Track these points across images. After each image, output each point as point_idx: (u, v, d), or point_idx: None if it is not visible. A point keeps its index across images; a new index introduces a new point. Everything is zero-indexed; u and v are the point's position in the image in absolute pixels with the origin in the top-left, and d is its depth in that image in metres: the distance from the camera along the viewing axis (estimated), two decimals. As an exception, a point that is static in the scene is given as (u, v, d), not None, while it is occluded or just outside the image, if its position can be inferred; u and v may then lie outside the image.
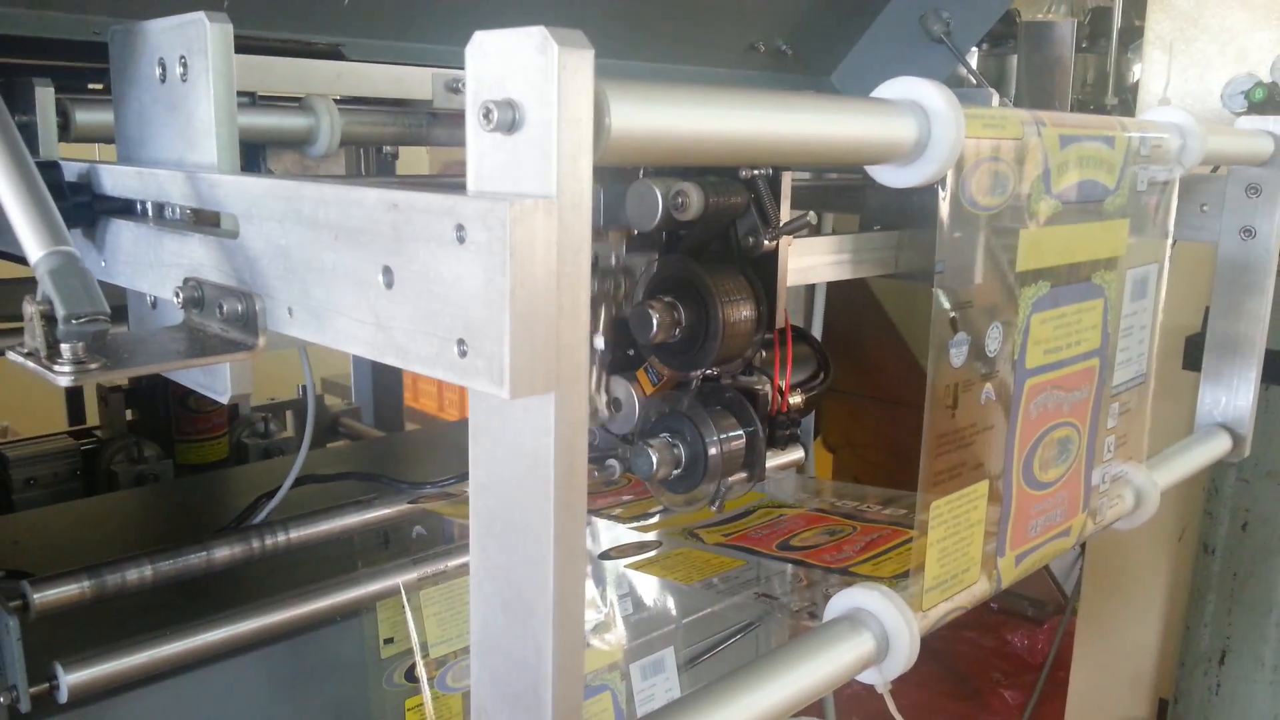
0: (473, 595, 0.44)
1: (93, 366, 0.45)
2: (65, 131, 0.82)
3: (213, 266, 0.52)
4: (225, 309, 0.49)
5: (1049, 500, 0.76)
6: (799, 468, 1.56)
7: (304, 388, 1.14)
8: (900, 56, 1.43)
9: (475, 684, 0.45)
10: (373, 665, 1.12)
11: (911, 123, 0.55)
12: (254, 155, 0.96)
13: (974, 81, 1.50)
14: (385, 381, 2.27)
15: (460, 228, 0.38)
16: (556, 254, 0.37)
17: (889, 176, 0.58)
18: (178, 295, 0.52)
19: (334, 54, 0.98)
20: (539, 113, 0.37)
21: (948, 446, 0.64)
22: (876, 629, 0.63)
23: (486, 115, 0.37)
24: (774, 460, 1.48)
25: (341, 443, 1.96)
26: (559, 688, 0.42)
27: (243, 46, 1.01)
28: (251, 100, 0.98)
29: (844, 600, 0.65)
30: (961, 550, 0.67)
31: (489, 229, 0.37)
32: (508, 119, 0.37)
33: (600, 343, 0.91)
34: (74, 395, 1.80)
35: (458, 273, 0.38)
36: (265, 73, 0.98)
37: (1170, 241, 0.87)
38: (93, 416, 1.79)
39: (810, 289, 2.00)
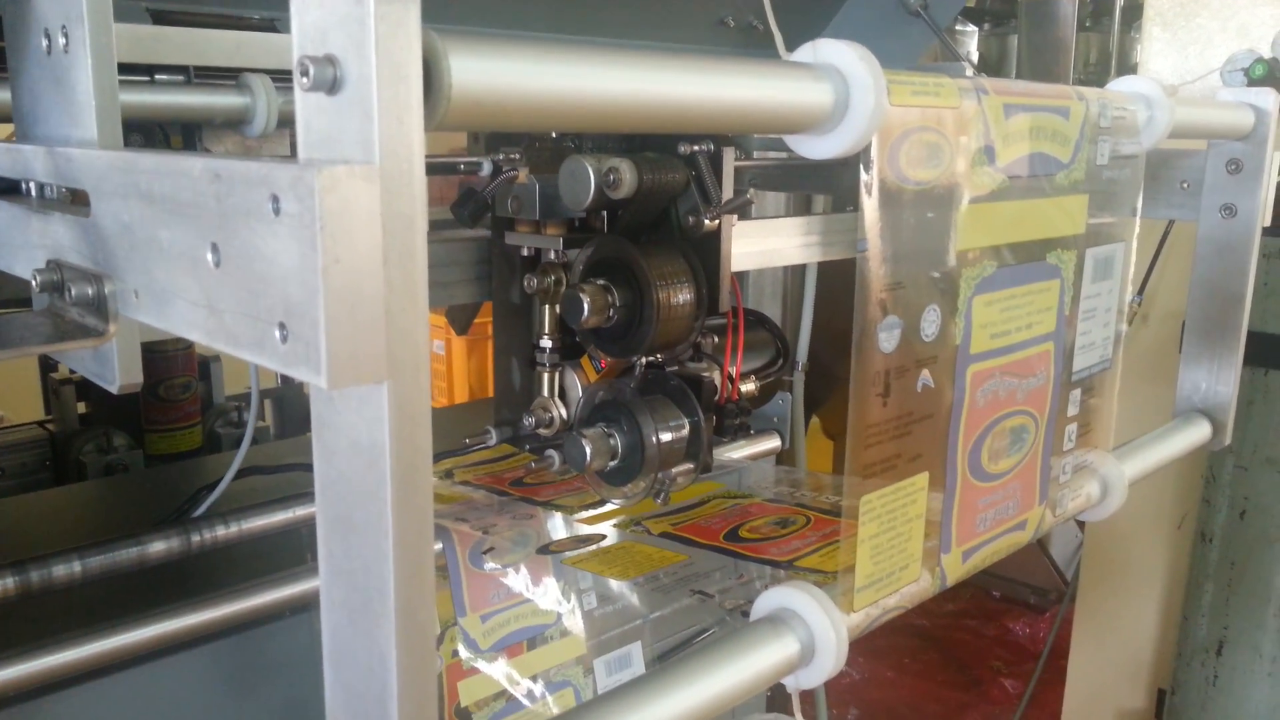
0: (322, 601, 0.41)
1: (-83, 352, 0.41)
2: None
3: (72, 248, 0.49)
4: (75, 292, 0.46)
5: (999, 492, 0.72)
6: (777, 457, 1.52)
7: (253, 372, 1.11)
8: (877, 31, 1.38)
9: (328, 694, 0.42)
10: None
11: (828, 88, 0.51)
12: (190, 136, 0.93)
13: (954, 58, 1.46)
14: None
15: (275, 199, 0.34)
16: (381, 227, 0.34)
17: (807, 147, 0.54)
18: (35, 278, 0.49)
19: (268, 27, 0.95)
20: (358, 69, 0.33)
21: (879, 437, 0.60)
22: (802, 631, 0.59)
23: (305, 73, 0.34)
24: (747, 449, 1.44)
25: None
26: (404, 700, 0.38)
27: (175, 20, 0.98)
28: (186, 78, 0.94)
29: (770, 599, 0.61)
30: (898, 546, 0.64)
31: (300, 199, 0.33)
32: (327, 77, 0.34)
33: (547, 343, 0.87)
34: (49, 386, 1.78)
35: (275, 249, 0.35)
36: (203, 46, 0.94)
37: (1137, 219, 0.82)
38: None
39: (800, 273, 1.96)
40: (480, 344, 3.33)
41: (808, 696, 2.11)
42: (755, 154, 1.27)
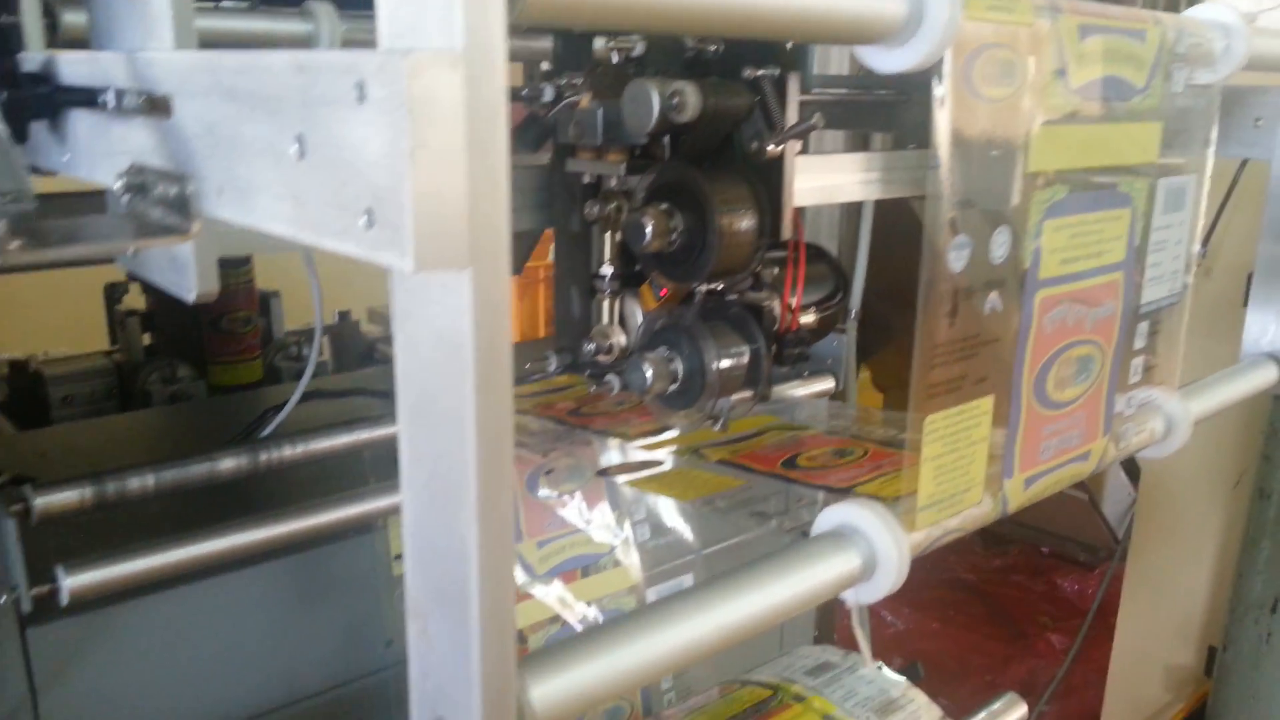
0: (403, 490, 0.42)
1: (14, 245, 0.43)
2: (54, 33, 0.80)
3: (154, 151, 0.50)
4: (161, 192, 0.47)
5: (1064, 421, 0.72)
6: (831, 399, 1.52)
7: (316, 296, 1.13)
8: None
9: (409, 583, 0.43)
10: (384, 581, 1.12)
11: (903, -1, 0.51)
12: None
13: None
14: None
15: (361, 85, 0.35)
16: (465, 114, 0.34)
17: (878, 59, 0.53)
18: (119, 181, 0.50)
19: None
20: (445, -46, 0.33)
21: (945, 357, 0.60)
22: (864, 547, 0.60)
23: (391, -39, 0.34)
24: (801, 390, 1.44)
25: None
26: (486, 582, 0.39)
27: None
28: (251, 5, 0.95)
29: (833, 515, 0.62)
30: (962, 469, 0.64)
31: (387, 85, 0.33)
32: (413, -36, 0.34)
33: (608, 270, 0.88)
34: (113, 319, 1.82)
35: (362, 136, 0.35)
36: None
37: (1210, 152, 0.80)
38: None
39: (855, 220, 1.94)
40: (532, 286, 3.35)
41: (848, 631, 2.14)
42: (815, 90, 1.25)
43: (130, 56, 0.50)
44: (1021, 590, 3.84)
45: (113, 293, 1.83)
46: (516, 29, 0.35)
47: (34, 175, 0.70)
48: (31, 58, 0.61)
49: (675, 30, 0.59)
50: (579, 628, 1.05)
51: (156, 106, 0.54)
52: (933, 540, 0.64)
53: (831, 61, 1.58)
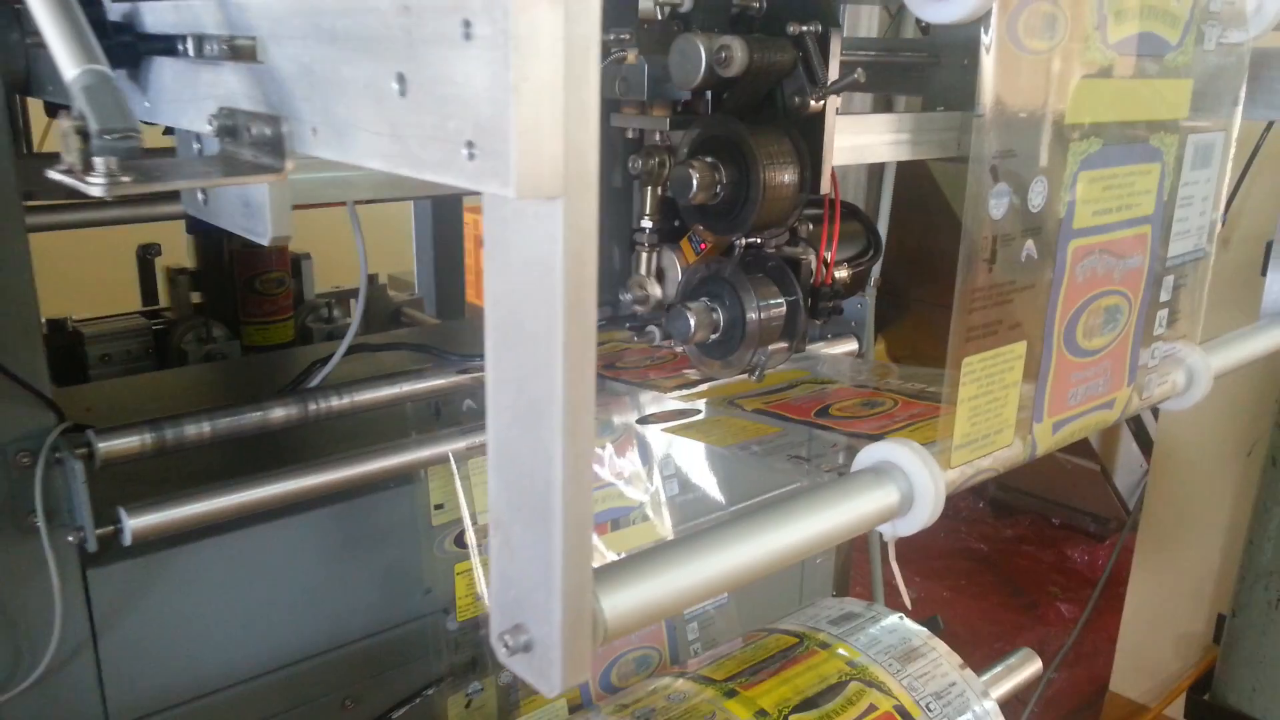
0: (488, 408, 0.45)
1: (125, 179, 0.46)
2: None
3: (244, 94, 0.53)
4: (254, 132, 0.50)
5: (1092, 369, 0.74)
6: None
7: (360, 249, 1.16)
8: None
9: (492, 498, 0.47)
10: (424, 531, 1.15)
11: (953, -47, 0.53)
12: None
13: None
14: (447, 273, 2.30)
15: (467, 23, 0.37)
16: (563, 50, 0.37)
17: (931, 10, 0.56)
18: (211, 124, 0.53)
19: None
20: (546, -100, 0.36)
21: (983, 302, 0.63)
22: (902, 482, 0.63)
23: (494, -91, 0.37)
24: (826, 350, 1.47)
25: (400, 331, 2.00)
26: (568, 494, 0.43)
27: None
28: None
29: (873, 453, 0.65)
30: (995, 411, 0.67)
31: (493, 21, 0.36)
32: (516, -88, 0.37)
33: (648, 224, 0.91)
34: (147, 278, 1.85)
35: (466, 71, 0.38)
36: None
37: (1239, 110, 0.83)
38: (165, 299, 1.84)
39: (878, 185, 1.95)
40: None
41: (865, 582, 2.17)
42: (844, 53, 1.27)
43: (220, 2, 0.53)
44: (1032, 560, 3.88)
45: (145, 254, 1.86)
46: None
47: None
48: (114, 7, 0.64)
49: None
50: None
51: (241, 55, 0.57)
52: (966, 479, 0.67)
53: (861, 25, 1.60)
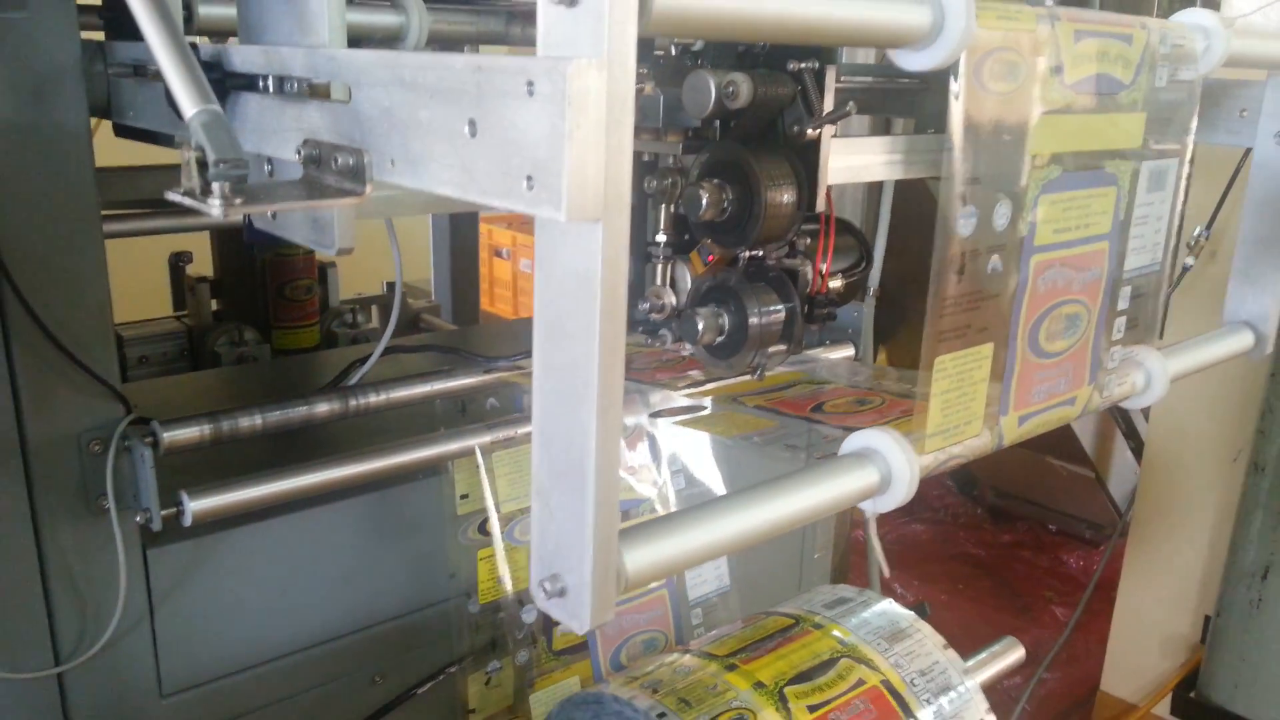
0: (535, 392, 0.55)
1: (237, 201, 0.56)
2: (189, 24, 0.93)
3: (326, 130, 0.63)
4: (339, 162, 0.60)
5: (1053, 370, 0.84)
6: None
7: (396, 258, 1.25)
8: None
9: (535, 468, 0.56)
10: (450, 519, 1.25)
11: (927, 11, 0.63)
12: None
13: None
14: (463, 281, 2.40)
15: (531, 84, 0.47)
16: (606, 104, 0.47)
17: (907, 60, 0.66)
18: (299, 153, 0.63)
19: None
20: (594, -11, 0.46)
21: (953, 309, 0.73)
22: (882, 465, 0.73)
23: (551, -8, 0.47)
24: (823, 355, 1.57)
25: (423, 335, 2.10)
26: (600, 463, 0.52)
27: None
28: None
29: (857, 440, 0.75)
30: (964, 404, 0.76)
31: (553, 83, 0.46)
32: (569, -6, 0.47)
33: (662, 238, 1.00)
34: (179, 284, 1.95)
35: (528, 120, 0.48)
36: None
37: (1190, 138, 0.92)
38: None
39: (876, 201, 2.05)
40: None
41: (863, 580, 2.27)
42: (843, 78, 1.37)
43: (309, 50, 0.63)
44: (1028, 565, 3.95)
45: (177, 262, 1.96)
46: (642, 39, 0.48)
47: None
48: (204, 48, 0.74)
49: (758, 39, 0.72)
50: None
51: (317, 93, 0.67)
52: (939, 464, 0.77)
53: (859, 53, 1.70)
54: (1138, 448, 3.77)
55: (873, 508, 0.74)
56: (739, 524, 0.65)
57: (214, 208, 0.55)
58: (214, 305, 1.89)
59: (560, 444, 0.54)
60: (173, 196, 0.57)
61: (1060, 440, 3.66)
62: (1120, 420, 3.61)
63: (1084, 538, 4.08)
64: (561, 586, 0.56)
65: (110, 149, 1.08)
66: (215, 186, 0.55)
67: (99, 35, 1.01)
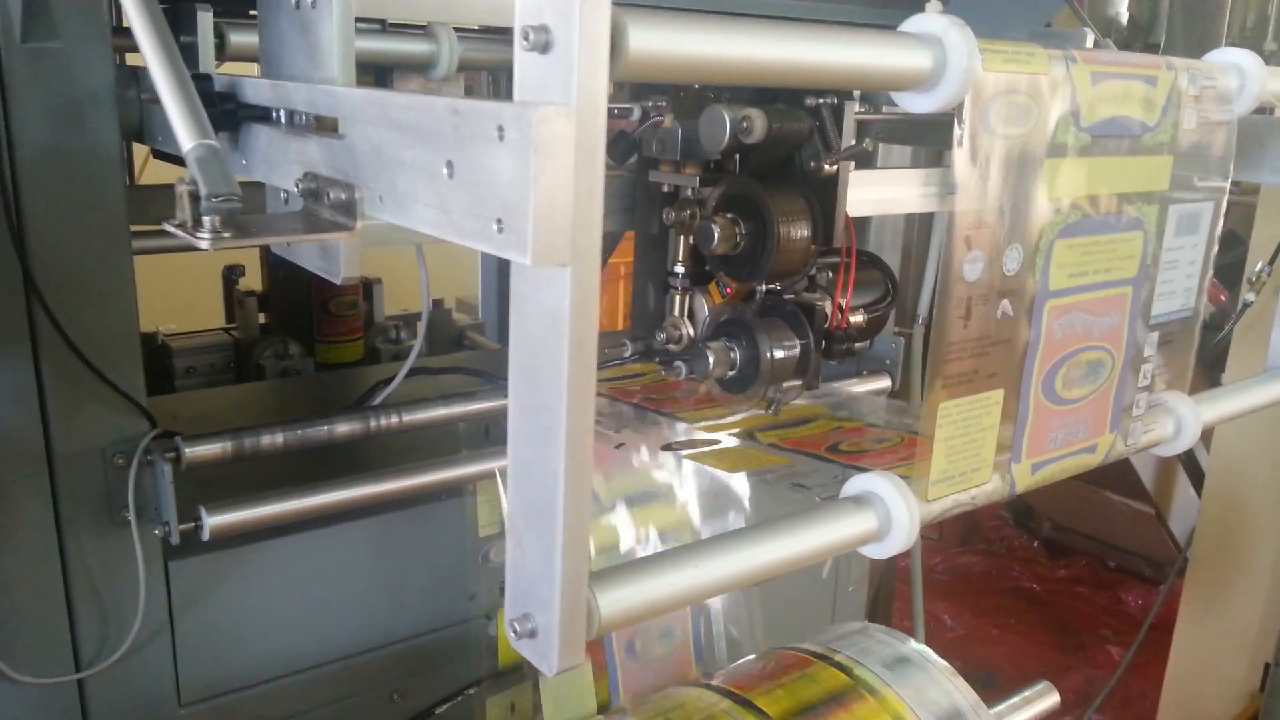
0: (510, 432, 0.55)
1: (226, 235, 0.57)
2: (221, 51, 0.95)
3: (325, 163, 0.64)
4: (332, 197, 0.60)
5: (1071, 416, 0.82)
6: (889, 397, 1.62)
7: (424, 283, 1.27)
8: (1008, -5, 1.44)
9: (510, 505, 0.56)
10: (471, 541, 1.26)
11: (928, 54, 0.62)
12: (383, 77, 1.08)
13: (1081, 23, 1.51)
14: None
15: (501, 129, 0.47)
16: (574, 151, 0.47)
17: (910, 103, 0.65)
18: (298, 186, 0.64)
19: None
20: (565, 35, 0.46)
21: (958, 354, 0.71)
22: (881, 510, 0.71)
23: (526, 37, 0.47)
24: (859, 388, 1.54)
25: (467, 352, 2.12)
26: (569, 504, 0.52)
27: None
28: (382, 27, 1.09)
29: (858, 483, 0.74)
30: (972, 450, 0.75)
31: (520, 129, 0.46)
32: (542, 41, 0.47)
33: (680, 269, 1.00)
34: (229, 299, 2.00)
35: (499, 165, 0.48)
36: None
37: (1227, 182, 0.89)
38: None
39: (926, 229, 2.01)
40: (612, 282, 3.49)
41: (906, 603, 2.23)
42: (884, 109, 1.35)
43: (310, 86, 0.64)
44: (1085, 602, 3.85)
45: (230, 275, 2.01)
46: (614, 85, 0.48)
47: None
48: (219, 79, 0.76)
49: (745, 84, 0.71)
50: (641, 550, 1.16)
51: (324, 126, 0.68)
52: (944, 510, 0.75)
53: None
54: (1200, 484, 3.66)
55: (871, 554, 0.72)
56: (723, 568, 0.64)
57: (203, 240, 0.56)
58: (262, 319, 1.93)
59: (531, 483, 0.54)
60: (167, 228, 0.59)
61: (1119, 475, 3.56)
62: (1182, 456, 3.50)
63: (1144, 575, 3.96)
64: (532, 627, 0.56)
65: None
66: (205, 220, 0.56)
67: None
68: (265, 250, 1.93)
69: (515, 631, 0.56)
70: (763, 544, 0.66)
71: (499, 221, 0.49)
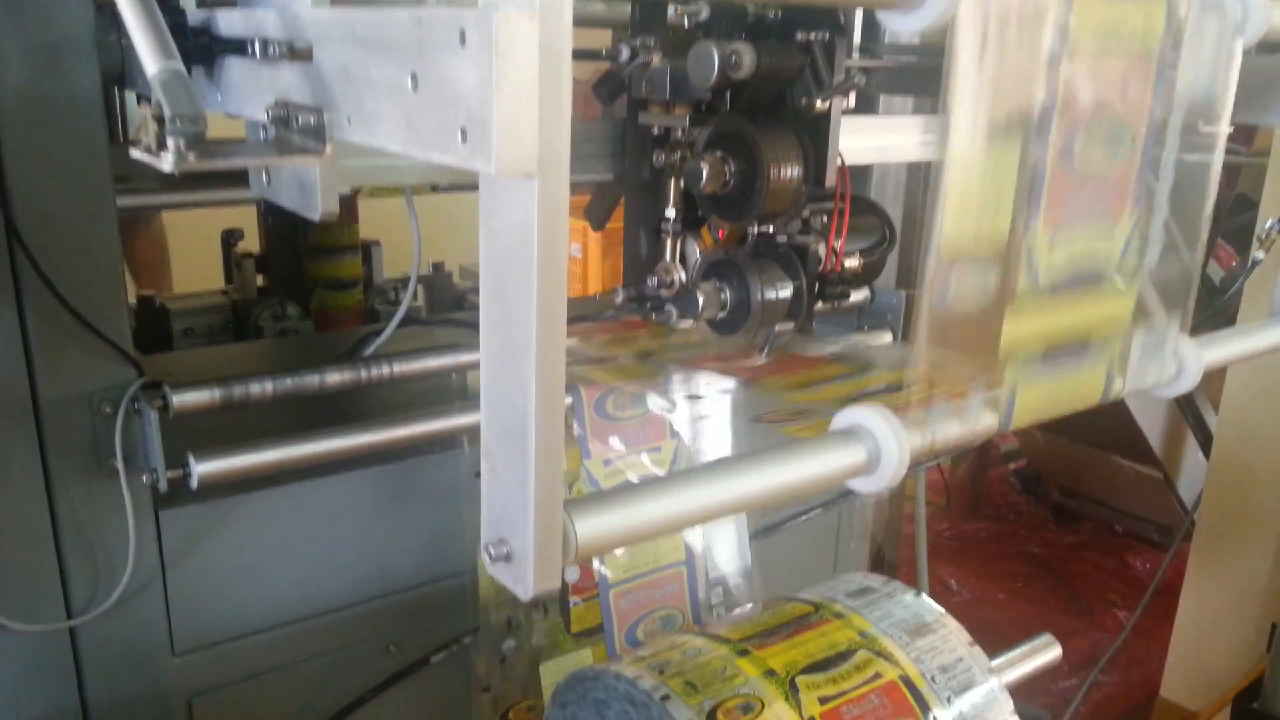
0: (481, 353, 0.54)
1: (191, 156, 0.55)
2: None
3: (295, 89, 0.62)
4: (300, 121, 0.59)
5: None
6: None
7: (415, 234, 1.25)
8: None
9: (484, 430, 0.55)
10: (465, 492, 1.25)
11: (914, -30, 0.60)
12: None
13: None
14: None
15: (463, 34, 0.46)
16: (538, 55, 0.45)
17: (896, 22, 0.63)
18: (268, 114, 0.63)
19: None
20: (528, -65, 0.44)
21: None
22: (870, 443, 0.70)
23: (487, -62, 0.45)
24: (862, 339, 1.53)
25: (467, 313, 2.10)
26: (541, 423, 0.51)
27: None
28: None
29: (848, 416, 0.72)
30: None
31: (481, 33, 0.45)
32: (504, -58, 0.45)
33: (672, 213, 0.99)
34: (228, 261, 1.99)
35: (461, 72, 0.47)
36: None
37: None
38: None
39: (924, 181, 1.98)
40: (614, 248, 3.48)
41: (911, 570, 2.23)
42: (886, 55, 1.33)
43: (280, 11, 0.63)
44: (1092, 567, 3.84)
45: (229, 239, 2.00)
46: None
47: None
48: (194, 14, 0.75)
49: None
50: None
51: (297, 53, 0.67)
52: (932, 444, 0.74)
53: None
54: (1208, 448, 3.65)
55: (860, 488, 0.71)
56: (706, 496, 0.63)
57: (167, 161, 0.55)
58: (260, 281, 1.91)
59: (504, 405, 0.53)
60: (134, 154, 0.58)
61: (1127, 440, 3.54)
62: (1190, 419, 3.48)
63: (1152, 540, 3.95)
64: (507, 551, 0.55)
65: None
66: (170, 142, 0.55)
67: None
68: (263, 212, 1.92)
69: (490, 555, 0.55)
70: (747, 474, 0.64)
71: (463, 131, 0.48)
